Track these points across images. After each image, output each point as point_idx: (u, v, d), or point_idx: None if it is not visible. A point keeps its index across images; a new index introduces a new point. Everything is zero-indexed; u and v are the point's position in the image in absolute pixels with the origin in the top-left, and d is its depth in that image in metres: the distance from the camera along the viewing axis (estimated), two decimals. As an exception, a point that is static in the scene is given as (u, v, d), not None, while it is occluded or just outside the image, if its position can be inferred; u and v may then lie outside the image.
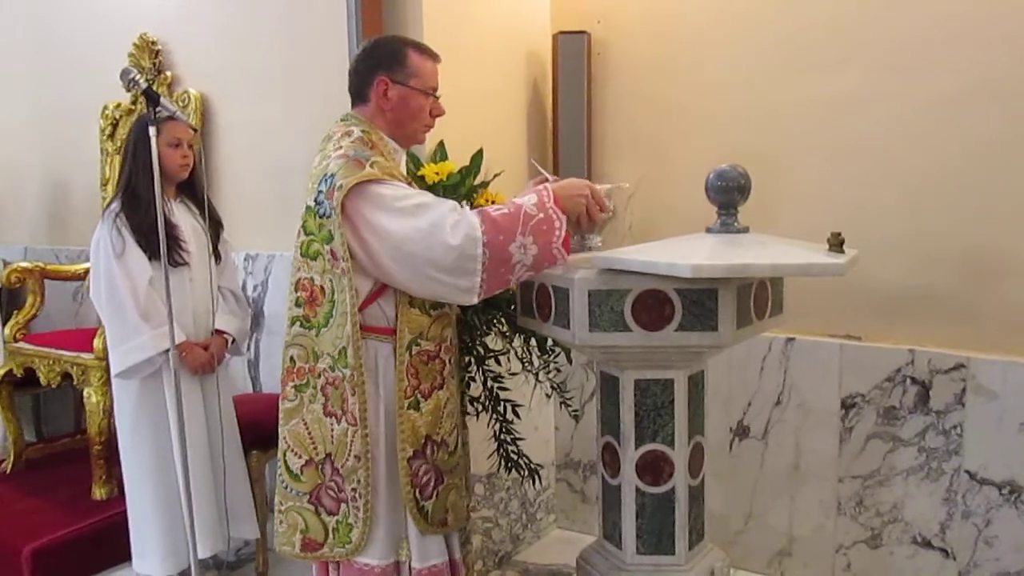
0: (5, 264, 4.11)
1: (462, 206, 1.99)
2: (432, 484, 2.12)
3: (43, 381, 3.57)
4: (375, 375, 2.04)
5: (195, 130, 2.98)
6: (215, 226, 3.00)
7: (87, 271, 3.83)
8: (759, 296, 2.10)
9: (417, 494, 2.09)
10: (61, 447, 4.09)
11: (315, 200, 2.02)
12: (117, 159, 4.00)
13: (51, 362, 3.52)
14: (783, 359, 3.02)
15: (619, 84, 3.36)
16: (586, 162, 3.34)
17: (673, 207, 3.23)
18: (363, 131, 2.12)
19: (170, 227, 2.82)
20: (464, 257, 1.90)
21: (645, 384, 2.16)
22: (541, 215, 1.95)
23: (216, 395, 2.90)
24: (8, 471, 3.84)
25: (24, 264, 3.80)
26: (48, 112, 4.49)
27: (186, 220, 2.94)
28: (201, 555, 2.89)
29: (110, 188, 4.01)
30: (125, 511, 2.97)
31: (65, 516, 3.32)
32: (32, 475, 3.80)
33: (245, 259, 3.61)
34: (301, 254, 2.09)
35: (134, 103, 3.96)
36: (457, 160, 2.74)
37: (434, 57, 2.17)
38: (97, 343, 3.30)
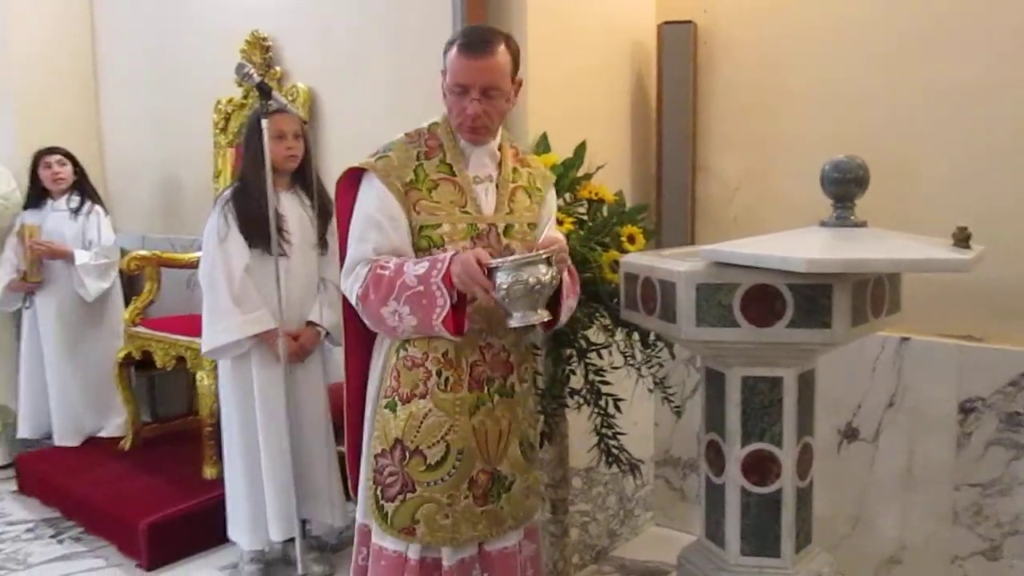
0: (124, 252, 4.31)
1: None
2: (398, 489, 2.06)
3: (159, 364, 3.73)
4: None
5: (304, 122, 3.06)
6: (324, 217, 3.02)
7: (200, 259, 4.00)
8: (876, 293, 2.02)
9: (378, 492, 2.09)
10: (174, 427, 4.27)
11: None
12: (229, 152, 4.16)
13: (166, 346, 3.68)
14: (897, 359, 2.90)
15: (726, 74, 3.28)
16: (690, 154, 3.28)
17: (780, 199, 3.14)
18: (431, 125, 2.18)
19: (279, 216, 2.87)
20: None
21: (753, 381, 2.11)
22: (420, 288, 1.92)
23: (305, 383, 3.00)
24: (126, 449, 4.03)
25: (142, 252, 3.97)
26: (163, 107, 4.68)
27: (294, 211, 3.01)
28: (274, 538, 3.01)
29: (222, 180, 4.16)
30: (232, 488, 3.09)
31: (178, 493, 3.47)
32: (148, 453, 3.99)
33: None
34: None
35: (245, 97, 4.08)
36: (560, 152, 2.73)
37: (468, 53, 2.00)
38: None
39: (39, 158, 4.21)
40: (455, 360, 2.04)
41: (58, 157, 4.21)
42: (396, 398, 2.07)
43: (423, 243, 2.02)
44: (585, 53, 3.14)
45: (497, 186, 2.10)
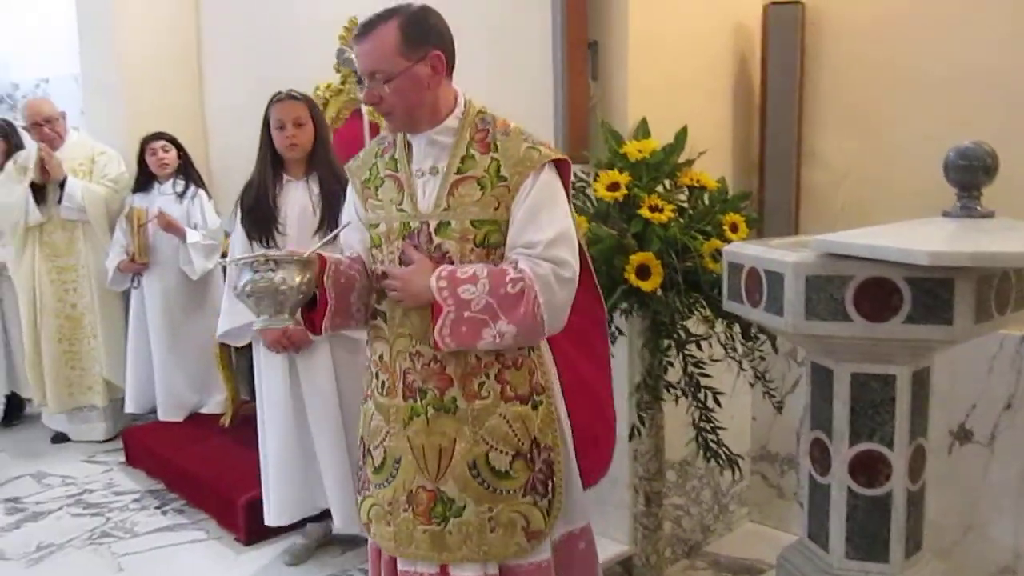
0: (226, 235, 4.43)
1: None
2: (360, 483, 2.09)
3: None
4: None
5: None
6: (330, 204, 2.90)
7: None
8: (1001, 288, 1.90)
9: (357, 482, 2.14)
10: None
11: None
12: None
13: (265, 327, 3.77)
14: (1017, 359, 2.73)
15: (835, 56, 3.14)
16: (796, 140, 3.16)
17: (892, 188, 2.99)
18: None
19: (271, 208, 2.93)
20: None
21: (863, 378, 2.02)
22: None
23: (308, 374, 3.00)
24: (226, 425, 4.16)
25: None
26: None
27: (296, 201, 2.97)
28: (267, 521, 3.10)
29: (320, 164, 4.23)
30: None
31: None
32: (246, 430, 4.08)
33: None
34: None
35: (343, 83, 4.12)
36: (660, 138, 2.67)
37: (355, 38, 1.90)
38: (306, 311, 3.49)
39: (145, 144, 4.35)
40: (389, 364, 1.95)
41: (163, 143, 4.35)
42: (364, 396, 2.07)
43: (370, 242, 1.99)
44: (687, 36, 3.05)
45: (443, 179, 1.90)
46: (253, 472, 3.22)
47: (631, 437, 2.62)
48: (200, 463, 3.76)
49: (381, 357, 1.96)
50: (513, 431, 1.91)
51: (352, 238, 2.05)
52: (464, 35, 3.50)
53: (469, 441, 1.89)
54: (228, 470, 3.64)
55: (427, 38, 1.85)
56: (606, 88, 2.95)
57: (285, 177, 2.99)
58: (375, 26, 1.84)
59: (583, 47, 2.91)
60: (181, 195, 4.33)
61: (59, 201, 4.29)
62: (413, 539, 1.94)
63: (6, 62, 6.50)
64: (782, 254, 1.97)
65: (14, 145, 4.72)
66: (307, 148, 2.96)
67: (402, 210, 1.90)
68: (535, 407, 1.94)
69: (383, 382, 1.96)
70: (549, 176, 1.87)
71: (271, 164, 2.98)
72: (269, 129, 2.96)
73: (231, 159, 5.06)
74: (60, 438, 4.56)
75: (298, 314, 1.85)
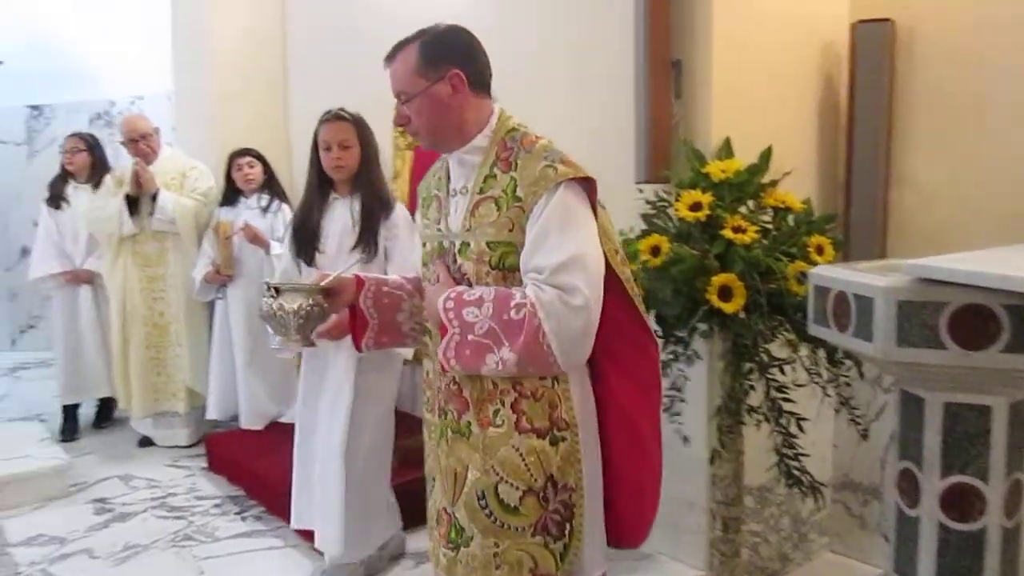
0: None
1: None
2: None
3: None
4: None
5: (363, 129, 3.03)
6: (370, 223, 2.95)
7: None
8: (1108, 318, 1.81)
9: None
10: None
11: None
12: (408, 154, 4.29)
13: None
14: (1121, 391, 2.60)
15: (927, 77, 3.05)
16: (884, 162, 3.08)
17: (983, 211, 2.89)
18: None
19: (315, 228, 3.00)
20: None
21: (956, 408, 1.95)
22: None
23: (331, 392, 3.02)
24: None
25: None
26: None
27: (339, 219, 3.01)
28: (292, 524, 3.18)
29: (400, 181, 4.30)
30: (418, 477, 3.11)
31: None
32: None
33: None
34: None
35: (425, 101, 4.20)
36: (744, 158, 2.63)
37: (385, 64, 1.92)
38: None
39: (233, 159, 4.50)
40: (433, 381, 1.94)
41: (248, 159, 4.49)
42: None
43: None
44: (772, 54, 3.02)
45: (469, 199, 1.87)
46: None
47: (712, 461, 2.58)
48: (279, 472, 3.82)
49: (427, 373, 1.98)
50: (526, 465, 1.80)
51: (416, 257, 2.09)
52: (544, 53, 3.56)
53: (479, 470, 1.82)
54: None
55: (446, 57, 1.84)
56: (689, 107, 2.93)
57: (332, 195, 3.04)
58: (400, 48, 1.87)
59: (666, 66, 2.91)
60: (265, 209, 4.45)
61: (151, 213, 4.46)
62: (439, 560, 1.94)
63: (103, 80, 6.80)
64: (872, 278, 1.93)
65: (99, 158, 4.94)
66: (353, 169, 2.99)
67: (439, 230, 1.91)
68: (554, 443, 1.81)
69: (427, 398, 1.99)
70: (565, 196, 1.76)
71: (318, 184, 3.04)
72: (318, 149, 3.01)
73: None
74: (146, 442, 4.71)
75: (312, 335, 1.93)
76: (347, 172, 2.99)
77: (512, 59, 3.76)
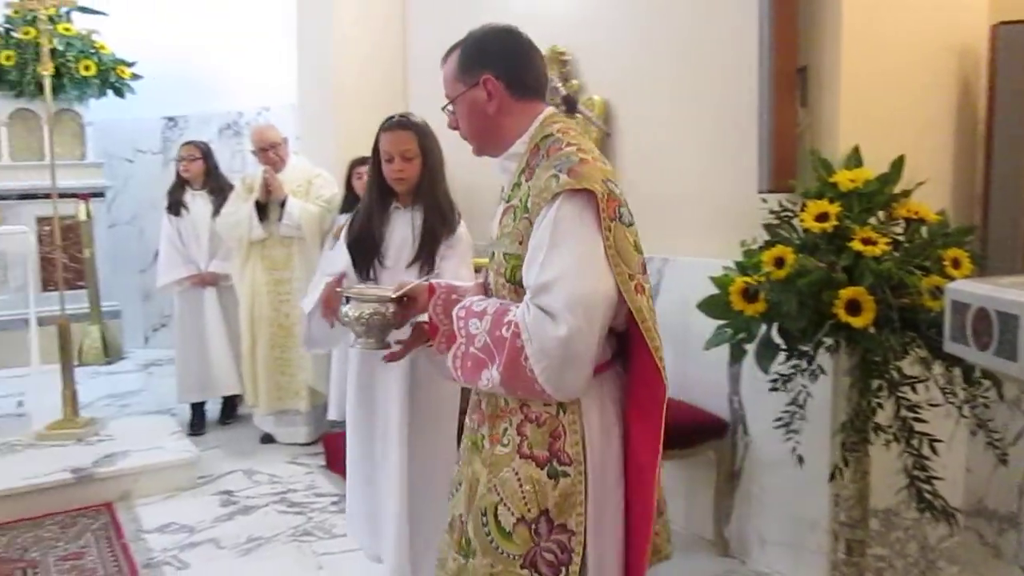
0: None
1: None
2: None
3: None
4: None
5: (426, 138, 2.82)
6: (430, 236, 2.79)
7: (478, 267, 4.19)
8: None
9: None
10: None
11: None
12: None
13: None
14: None
15: (1076, 80, 2.88)
16: (1027, 171, 2.92)
17: None
18: None
19: (375, 239, 2.82)
20: None
21: (1111, 435, 1.82)
22: None
23: (383, 393, 2.83)
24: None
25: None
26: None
27: (400, 231, 2.84)
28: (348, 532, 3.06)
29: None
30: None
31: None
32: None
33: (638, 261, 3.69)
34: None
35: (541, 110, 4.23)
36: (873, 167, 2.54)
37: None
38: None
39: (353, 167, 4.63)
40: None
41: (368, 166, 4.60)
42: None
43: None
44: (904, 58, 2.91)
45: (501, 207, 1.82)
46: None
47: (832, 478, 2.49)
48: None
49: None
50: (522, 493, 1.69)
51: (465, 274, 2.12)
52: (665, 59, 3.54)
53: (485, 487, 1.74)
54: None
55: (481, 63, 1.81)
56: (816, 115, 2.86)
57: (393, 204, 2.86)
58: (448, 52, 1.88)
59: (792, 72, 2.84)
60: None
61: (279, 219, 4.65)
62: (447, 564, 1.85)
63: (231, 92, 7.13)
64: (1018, 294, 1.82)
65: (212, 166, 5.17)
66: (414, 181, 2.81)
67: (492, 238, 1.87)
68: (553, 476, 1.68)
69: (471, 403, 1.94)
70: (562, 210, 1.61)
71: (379, 193, 2.86)
72: (379, 156, 2.83)
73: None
74: (267, 439, 4.90)
75: (388, 338, 2.00)
76: (408, 184, 2.81)
77: (628, 67, 3.77)
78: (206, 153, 5.16)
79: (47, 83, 4.86)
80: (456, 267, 2.76)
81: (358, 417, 2.90)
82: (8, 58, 6.57)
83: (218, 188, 5.07)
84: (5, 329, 6.43)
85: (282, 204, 4.64)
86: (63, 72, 6.54)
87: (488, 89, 1.79)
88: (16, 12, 6.36)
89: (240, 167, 6.94)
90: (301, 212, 4.64)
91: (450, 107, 1.87)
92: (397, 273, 2.71)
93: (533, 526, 1.68)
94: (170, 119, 7.41)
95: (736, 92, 3.20)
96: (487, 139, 1.85)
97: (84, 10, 5.66)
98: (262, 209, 4.68)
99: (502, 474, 1.72)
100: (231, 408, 5.35)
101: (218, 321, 5.07)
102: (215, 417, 5.30)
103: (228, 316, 5.07)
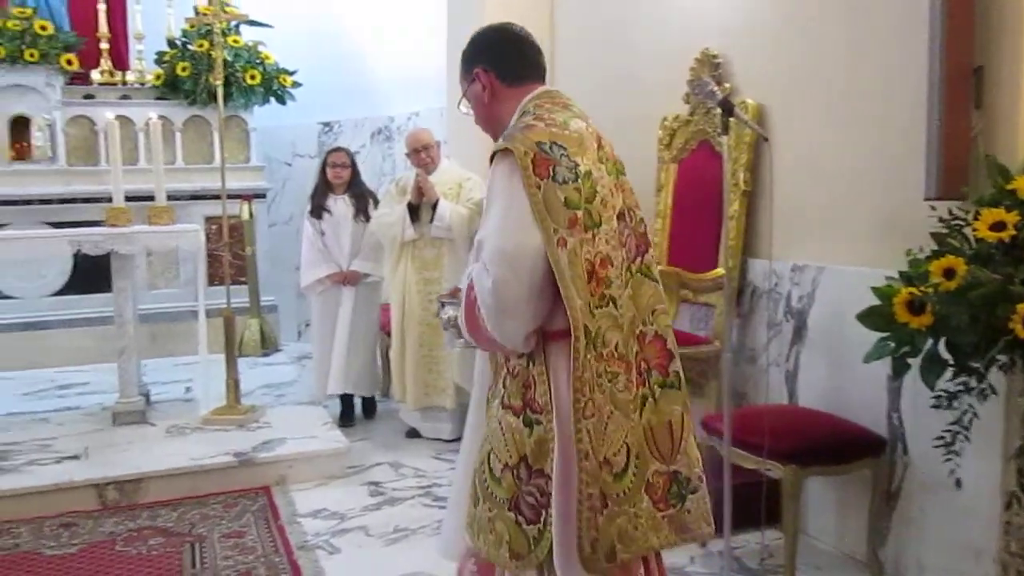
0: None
1: None
2: None
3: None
4: None
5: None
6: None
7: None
8: None
9: None
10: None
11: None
12: (672, 167, 4.29)
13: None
14: None
15: None
16: None
17: None
18: None
19: None
20: None
21: None
22: None
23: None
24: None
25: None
26: (611, 122, 4.94)
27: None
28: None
29: (663, 193, 4.31)
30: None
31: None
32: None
33: (792, 269, 3.59)
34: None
35: (691, 114, 4.18)
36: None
37: None
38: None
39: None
40: None
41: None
42: None
43: None
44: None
45: None
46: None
47: (1008, 506, 2.34)
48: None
49: None
50: (505, 440, 1.88)
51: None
52: (823, 59, 3.42)
53: (483, 437, 1.96)
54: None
55: (474, 59, 2.07)
56: (992, 117, 2.70)
57: None
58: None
59: (967, 72, 2.69)
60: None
61: (431, 221, 4.79)
62: (467, 513, 2.03)
63: (383, 98, 7.40)
64: None
65: (356, 172, 5.36)
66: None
67: None
68: (528, 424, 1.86)
69: None
70: (497, 172, 1.84)
71: None
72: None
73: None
74: (413, 433, 5.06)
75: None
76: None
77: (785, 69, 3.66)
78: (353, 161, 5.38)
79: (219, 92, 5.20)
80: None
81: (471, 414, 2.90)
82: (184, 69, 7.07)
83: (359, 192, 5.29)
84: (176, 320, 6.94)
85: (434, 206, 4.77)
86: (231, 81, 6.97)
87: (481, 81, 2.04)
88: (192, 26, 6.86)
89: (391, 170, 7.20)
90: (452, 214, 4.77)
91: (464, 107, 2.11)
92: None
93: (515, 471, 1.86)
94: (326, 124, 7.78)
95: (901, 93, 3.06)
96: (492, 125, 2.07)
97: (252, 23, 6.00)
98: (414, 211, 4.83)
99: (491, 424, 1.93)
100: (371, 406, 5.54)
101: (348, 322, 5.24)
102: (361, 411, 5.51)
103: (365, 316, 5.26)
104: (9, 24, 6.66)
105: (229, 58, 6.97)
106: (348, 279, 5.27)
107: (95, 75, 7.16)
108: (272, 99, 7.40)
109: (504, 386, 1.92)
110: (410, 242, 4.89)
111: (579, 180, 1.84)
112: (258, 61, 7.27)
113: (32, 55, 6.66)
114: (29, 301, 6.77)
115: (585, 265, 1.82)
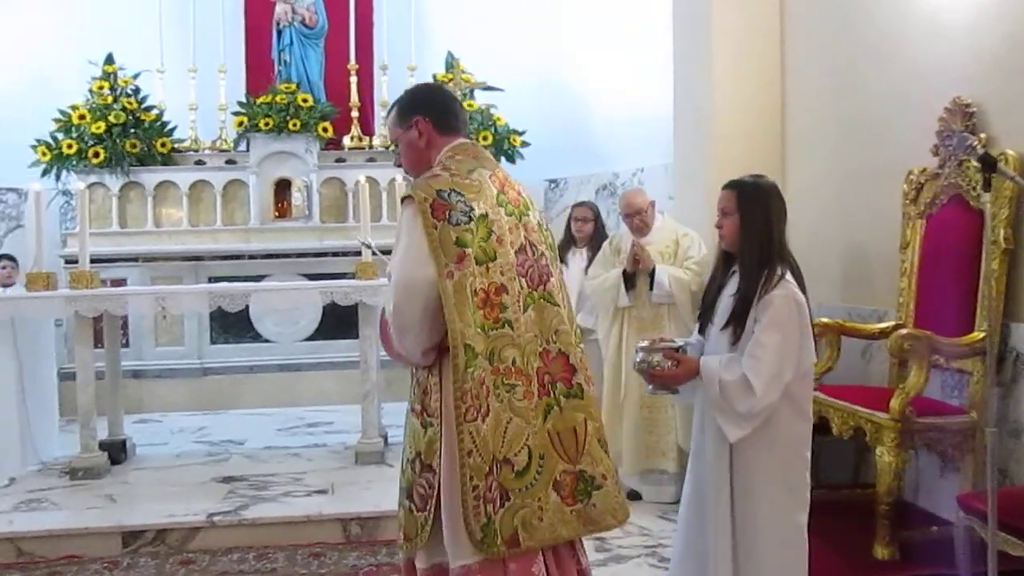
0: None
1: None
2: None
3: (835, 431, 3.76)
4: None
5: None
6: (741, 305, 2.71)
7: (882, 331, 3.95)
8: None
9: None
10: (841, 496, 4.24)
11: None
12: (919, 223, 4.04)
13: (845, 414, 3.70)
14: None
15: None
16: None
17: None
18: None
19: (712, 296, 2.88)
20: None
21: None
22: None
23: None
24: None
25: (825, 320, 4.11)
26: (850, 174, 4.76)
27: (729, 293, 2.80)
28: None
29: (909, 251, 4.06)
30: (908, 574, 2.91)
31: (846, 566, 3.45)
32: (813, 518, 3.99)
33: None
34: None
35: (941, 167, 3.93)
36: None
37: None
38: (894, 403, 3.36)
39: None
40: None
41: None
42: None
43: None
44: None
45: None
46: (821, 564, 3.17)
47: None
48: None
49: None
50: (409, 439, 2.33)
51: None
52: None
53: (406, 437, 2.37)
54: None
55: (416, 109, 2.42)
56: None
57: (732, 268, 2.79)
58: (391, 108, 2.54)
59: None
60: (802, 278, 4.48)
61: (649, 288, 4.69)
62: None
63: (609, 154, 7.56)
64: None
65: (600, 227, 5.42)
66: (732, 239, 2.76)
67: None
68: (424, 426, 2.25)
69: None
70: (404, 214, 2.26)
71: (724, 253, 2.85)
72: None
73: (811, 239, 5.11)
74: (633, 495, 4.91)
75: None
76: (726, 243, 2.78)
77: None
78: (597, 215, 5.48)
79: (459, 154, 5.53)
80: (761, 332, 2.57)
81: (690, 473, 2.89)
82: (422, 133, 7.60)
83: (598, 246, 5.31)
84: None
85: (651, 273, 4.68)
86: (466, 143, 7.39)
87: (420, 128, 2.40)
88: (428, 93, 7.38)
89: (615, 226, 7.28)
90: (671, 280, 4.65)
91: (394, 148, 2.55)
92: (722, 333, 2.70)
93: (413, 465, 2.28)
94: (552, 181, 8.04)
95: None
96: (419, 167, 2.42)
97: (488, 88, 6.37)
98: (629, 278, 4.76)
99: (405, 424, 2.37)
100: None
101: None
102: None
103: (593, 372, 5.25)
104: (277, 98, 7.49)
105: (464, 121, 7.41)
106: None
107: (346, 140, 7.88)
108: (503, 158, 7.77)
109: (413, 392, 2.33)
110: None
111: (472, 222, 2.20)
112: (490, 123, 7.67)
113: (295, 125, 7.45)
114: (284, 345, 7.46)
115: (480, 293, 2.18)
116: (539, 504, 2.18)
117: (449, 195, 2.21)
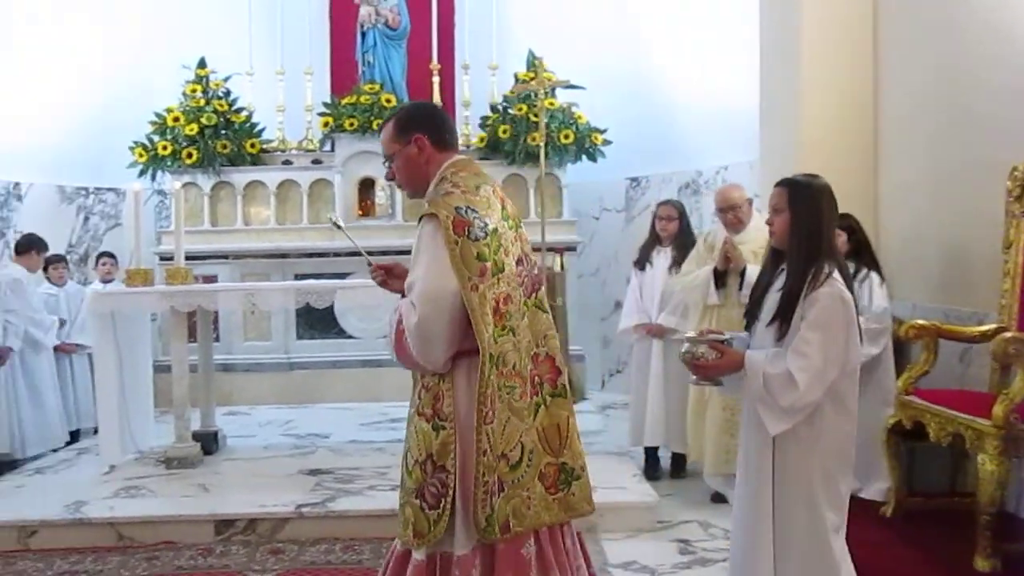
0: (896, 319, 4.36)
1: None
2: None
3: (932, 437, 3.65)
4: None
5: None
6: (787, 301, 2.66)
7: (983, 334, 3.80)
8: None
9: None
10: (938, 504, 4.11)
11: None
12: (1023, 222, 3.88)
13: (943, 420, 3.58)
14: None
15: None
16: None
17: None
18: None
19: (760, 293, 2.82)
20: None
21: None
22: None
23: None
24: (887, 515, 4.05)
25: (921, 322, 3.97)
26: (947, 172, 4.60)
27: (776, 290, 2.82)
28: None
29: (1013, 251, 3.90)
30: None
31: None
32: (908, 526, 3.92)
33: None
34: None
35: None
36: None
37: None
38: (997, 410, 3.22)
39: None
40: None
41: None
42: None
43: None
44: None
45: None
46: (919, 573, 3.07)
47: None
48: (859, 549, 3.71)
49: None
50: (417, 441, 2.37)
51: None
52: None
53: (404, 439, 2.45)
54: (890, 562, 3.53)
55: (415, 127, 2.47)
56: None
57: (782, 265, 2.73)
58: (384, 123, 2.58)
59: None
60: (852, 277, 4.36)
61: (739, 288, 4.59)
62: None
63: (692, 152, 7.44)
64: None
65: (686, 226, 5.34)
66: (782, 237, 2.71)
67: None
68: (436, 429, 2.34)
69: None
70: (424, 229, 2.33)
71: (772, 249, 2.83)
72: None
73: (907, 239, 4.96)
74: (718, 498, 4.82)
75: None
76: (776, 240, 2.74)
77: None
78: (682, 213, 5.41)
79: (541, 151, 5.54)
80: (807, 329, 2.53)
81: (740, 475, 2.88)
82: (504, 131, 7.63)
83: (682, 245, 5.25)
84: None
85: (741, 273, 4.58)
86: (548, 141, 7.36)
87: (419, 145, 2.46)
88: (512, 92, 7.44)
89: (698, 224, 7.16)
90: None
91: (387, 162, 2.53)
92: (768, 329, 2.68)
93: (424, 466, 2.35)
94: (633, 179, 7.97)
95: None
96: (418, 183, 2.50)
97: (570, 87, 6.36)
98: (720, 276, 4.67)
99: (409, 428, 2.44)
100: (680, 462, 5.39)
101: (659, 374, 5.20)
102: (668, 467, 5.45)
103: (671, 370, 5.18)
104: (362, 99, 7.63)
105: (545, 119, 7.42)
106: (653, 332, 5.28)
107: (428, 140, 7.94)
108: (584, 156, 7.73)
109: (419, 398, 2.40)
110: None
111: (488, 236, 2.33)
112: (571, 121, 7.64)
113: (379, 125, 7.55)
114: (367, 341, 7.57)
115: (492, 303, 2.30)
116: (527, 494, 2.38)
117: (466, 212, 2.33)
